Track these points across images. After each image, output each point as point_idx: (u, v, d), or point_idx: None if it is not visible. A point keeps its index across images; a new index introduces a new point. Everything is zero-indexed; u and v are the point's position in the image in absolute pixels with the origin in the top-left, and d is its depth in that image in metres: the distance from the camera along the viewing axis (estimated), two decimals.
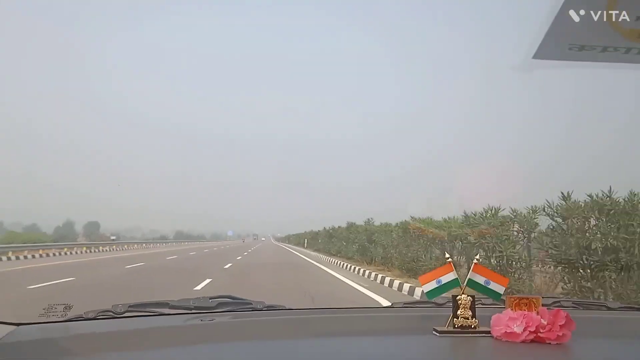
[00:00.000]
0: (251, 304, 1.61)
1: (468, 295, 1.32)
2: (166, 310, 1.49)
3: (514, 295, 1.34)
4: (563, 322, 1.20)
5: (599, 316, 1.63)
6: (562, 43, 0.83)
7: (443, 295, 1.43)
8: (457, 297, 1.32)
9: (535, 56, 0.86)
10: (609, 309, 1.72)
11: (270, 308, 1.62)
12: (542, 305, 1.72)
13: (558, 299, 1.77)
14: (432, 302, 1.63)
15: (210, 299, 1.58)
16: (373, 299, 8.84)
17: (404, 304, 1.76)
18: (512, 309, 1.29)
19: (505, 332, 1.23)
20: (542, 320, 1.23)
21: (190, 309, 1.50)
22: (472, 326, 1.30)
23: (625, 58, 0.84)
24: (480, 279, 1.37)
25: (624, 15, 0.85)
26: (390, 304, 1.79)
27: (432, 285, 1.37)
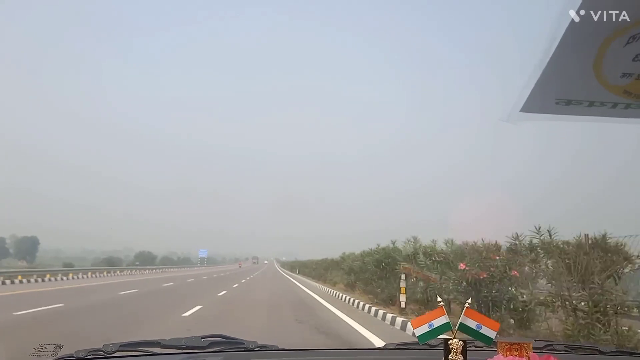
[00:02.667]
0: (243, 343, 1.60)
1: (460, 340, 1.32)
2: (157, 350, 1.48)
3: (505, 340, 1.33)
4: None
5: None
6: (549, 98, 0.86)
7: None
8: (449, 342, 1.32)
9: (523, 109, 0.89)
10: (602, 353, 1.72)
11: (263, 348, 1.61)
12: (535, 349, 1.72)
13: (551, 343, 1.76)
14: (426, 344, 1.63)
15: (202, 338, 1.56)
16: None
17: (397, 345, 1.74)
18: (503, 354, 1.29)
19: None
20: None
21: (182, 348, 1.48)
22: None
23: (612, 113, 0.87)
24: (472, 323, 1.37)
25: (609, 72, 0.88)
26: (384, 344, 1.78)
27: (424, 329, 1.37)
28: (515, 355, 1.28)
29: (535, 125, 0.99)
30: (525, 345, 1.32)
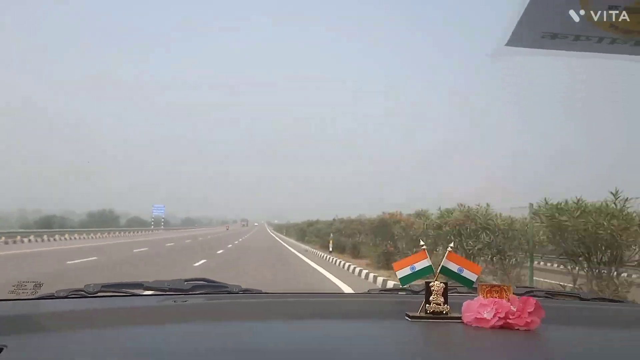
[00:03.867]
0: (227, 287, 1.61)
1: (441, 282, 1.34)
2: (139, 291, 1.49)
3: (485, 283, 1.35)
4: (532, 309, 1.22)
5: (570, 306, 1.66)
6: (535, 31, 0.84)
7: (419, 283, 1.45)
8: (430, 284, 1.33)
9: (509, 43, 0.87)
10: (582, 299, 1.76)
11: (246, 291, 1.63)
12: (515, 294, 1.75)
13: (531, 289, 1.79)
14: (409, 289, 1.65)
15: (185, 281, 1.57)
16: None
17: (381, 290, 1.77)
18: (483, 296, 1.31)
19: (475, 318, 1.25)
20: (512, 307, 1.25)
21: (165, 291, 1.49)
22: (444, 312, 1.32)
23: (597, 48, 0.85)
24: (454, 267, 1.39)
25: (596, 5, 0.85)
26: (367, 290, 1.80)
27: (406, 271, 1.39)
28: (496, 297, 1.30)
29: (520, 62, 0.97)
30: (505, 288, 1.34)
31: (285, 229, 63.38)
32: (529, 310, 1.22)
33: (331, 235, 22.45)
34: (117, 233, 46.80)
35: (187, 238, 38.40)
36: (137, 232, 53.26)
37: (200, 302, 1.46)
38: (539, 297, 1.74)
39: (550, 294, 1.78)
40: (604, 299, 1.80)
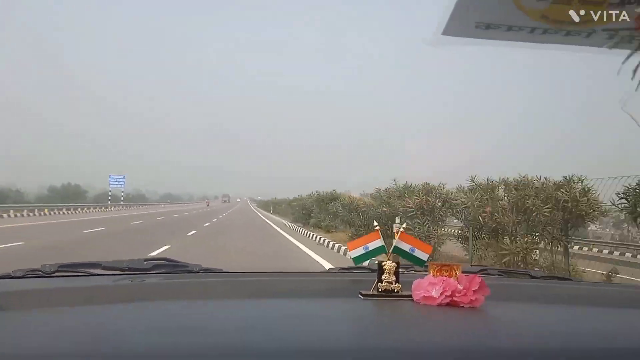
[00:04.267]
0: (188, 266, 1.63)
1: (393, 262, 1.38)
2: (98, 271, 1.49)
3: (436, 262, 1.40)
4: (477, 288, 1.27)
5: (521, 284, 1.72)
6: (469, 21, 0.86)
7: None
8: (383, 263, 1.38)
9: (444, 32, 0.89)
10: (533, 277, 1.83)
11: (207, 270, 1.65)
12: (469, 273, 1.81)
13: (485, 268, 1.85)
14: (367, 269, 1.70)
15: (145, 261, 1.59)
16: None
17: (340, 269, 1.81)
18: (433, 275, 1.35)
19: (424, 296, 1.30)
20: (459, 285, 1.30)
21: (124, 270, 1.51)
22: (395, 290, 1.36)
23: (530, 38, 0.87)
24: (406, 247, 1.43)
25: None
26: (327, 268, 1.84)
27: (359, 251, 1.43)
28: (445, 276, 1.35)
29: (456, 51, 0.99)
30: (454, 267, 1.39)
31: (273, 206, 55.14)
32: (473, 289, 1.27)
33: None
34: (65, 211, 40.19)
35: (160, 215, 35.75)
36: (88, 210, 45.07)
37: (159, 281, 1.47)
38: (492, 274, 1.80)
39: (503, 272, 1.85)
40: (553, 277, 1.88)
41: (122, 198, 64.11)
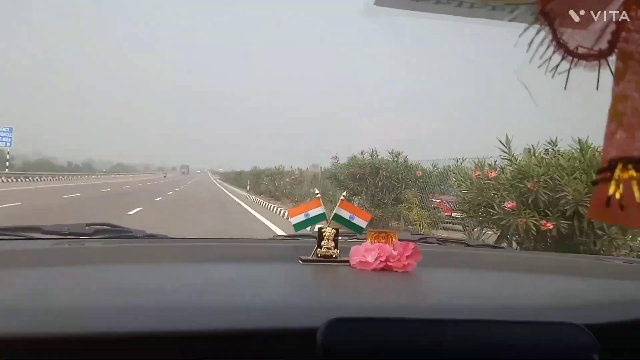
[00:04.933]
0: (131, 232, 1.63)
1: (333, 228, 1.43)
2: (37, 235, 1.48)
3: (374, 230, 1.45)
4: (410, 253, 1.33)
5: (456, 251, 1.81)
6: None
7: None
8: (322, 230, 1.42)
9: (377, 3, 0.90)
10: (468, 245, 1.92)
11: (151, 236, 1.65)
12: (410, 240, 1.88)
13: (425, 236, 1.93)
14: (312, 236, 1.74)
15: (86, 225, 1.58)
16: None
17: (285, 236, 1.85)
18: (371, 241, 1.41)
19: (360, 261, 1.35)
20: (394, 251, 1.35)
21: (64, 235, 1.49)
22: (334, 256, 1.41)
23: (457, 11, 0.90)
24: (346, 214, 1.48)
25: None
26: (272, 236, 1.88)
27: (300, 218, 1.46)
28: (382, 242, 1.41)
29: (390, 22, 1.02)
30: (391, 234, 1.44)
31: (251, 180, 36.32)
32: (407, 254, 1.33)
33: None
34: None
35: (101, 188, 29.68)
36: None
37: (99, 245, 1.47)
38: (430, 243, 1.88)
39: (441, 241, 1.93)
40: (488, 246, 1.97)
41: (6, 163, 42.81)
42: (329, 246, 1.41)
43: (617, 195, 0.43)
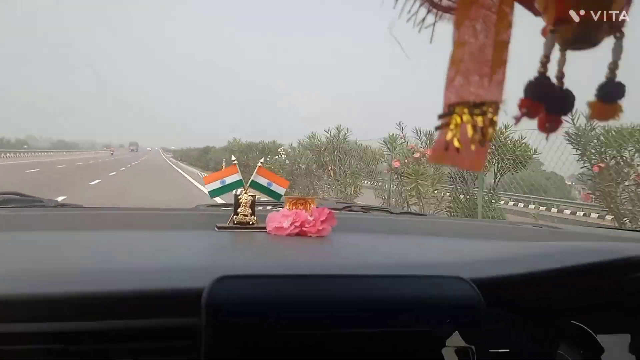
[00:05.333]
0: (42, 201, 1.57)
1: (249, 195, 1.42)
2: None
3: (292, 196, 1.46)
4: (324, 219, 1.35)
5: (379, 218, 1.84)
6: None
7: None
8: (239, 197, 1.41)
9: None
10: (391, 213, 1.96)
11: (64, 206, 1.60)
12: (336, 209, 1.90)
13: (350, 205, 1.95)
14: (231, 204, 1.73)
15: None
16: None
17: (207, 206, 1.83)
18: (288, 208, 1.41)
19: (275, 227, 1.35)
20: (309, 217, 1.36)
21: None
22: (250, 222, 1.41)
23: None
24: (263, 181, 1.48)
25: None
26: (195, 205, 1.85)
27: (215, 185, 1.45)
28: (300, 209, 1.42)
29: None
30: (309, 201, 1.45)
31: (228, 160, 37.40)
32: (321, 219, 1.34)
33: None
34: None
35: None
36: None
37: (8, 213, 1.41)
38: (355, 211, 1.91)
39: (366, 209, 1.96)
40: (410, 213, 2.02)
41: None
42: (246, 213, 1.41)
43: (455, 140, 0.44)
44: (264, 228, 1.39)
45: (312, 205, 1.43)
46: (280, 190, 1.49)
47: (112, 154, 77.12)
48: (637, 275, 0.93)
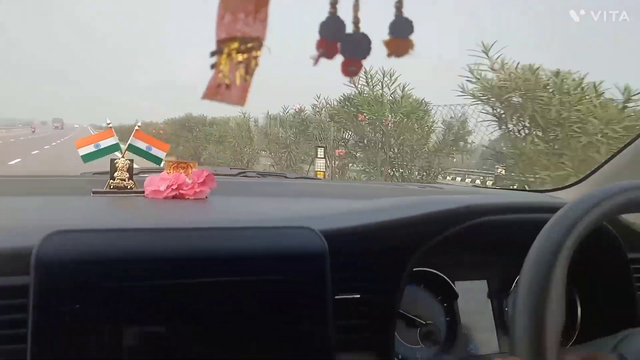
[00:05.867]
0: None
1: (126, 159, 1.39)
2: None
3: (173, 160, 1.45)
4: (202, 181, 1.34)
5: (272, 182, 1.86)
6: None
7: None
8: (115, 161, 1.38)
9: None
10: (287, 177, 1.99)
11: None
12: (231, 175, 1.90)
13: (244, 170, 1.96)
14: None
15: None
16: None
17: (94, 173, 1.77)
18: (168, 172, 1.40)
19: (152, 190, 1.34)
20: (188, 179, 1.36)
21: None
22: (128, 187, 1.38)
23: None
24: (142, 145, 1.45)
25: None
26: (80, 173, 1.78)
27: (89, 149, 1.41)
28: (181, 173, 1.41)
29: None
30: (191, 164, 1.45)
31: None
32: (199, 182, 1.34)
33: None
34: None
35: None
36: None
37: None
38: (250, 177, 1.92)
39: (262, 175, 1.97)
40: (306, 177, 2.06)
41: None
42: (123, 177, 1.38)
43: (226, 76, 0.45)
44: (142, 192, 1.37)
45: (193, 168, 1.42)
46: (161, 154, 1.47)
47: (33, 131, 73.04)
48: (477, 221, 1.01)
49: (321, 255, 0.86)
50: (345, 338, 0.95)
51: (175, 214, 1.21)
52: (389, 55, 0.51)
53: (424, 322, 1.16)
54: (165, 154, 1.48)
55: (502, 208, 1.04)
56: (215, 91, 0.45)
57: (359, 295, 0.97)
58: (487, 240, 1.16)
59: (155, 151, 1.46)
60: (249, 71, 0.44)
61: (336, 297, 0.96)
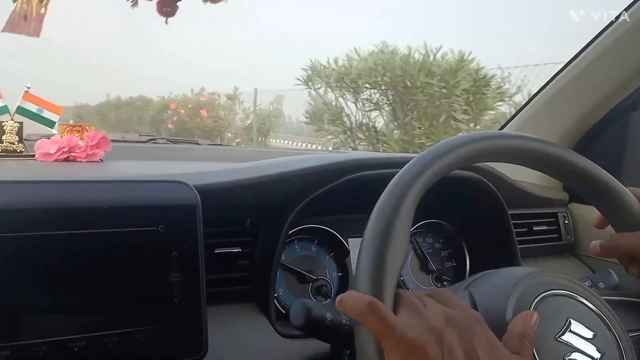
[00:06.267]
0: None
1: (15, 122, 1.34)
2: None
3: (67, 123, 1.41)
4: (94, 143, 1.32)
5: (181, 147, 1.84)
6: None
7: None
8: (3, 124, 1.33)
9: None
10: (199, 144, 1.98)
11: None
12: (138, 142, 1.86)
13: (155, 137, 1.93)
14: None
15: None
16: None
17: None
18: (61, 135, 1.36)
19: (42, 153, 1.30)
20: (80, 142, 1.33)
21: None
22: (18, 150, 1.34)
23: None
24: (32, 107, 1.40)
25: None
26: None
27: None
28: (76, 136, 1.37)
29: None
30: (86, 127, 1.41)
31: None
32: (92, 144, 1.32)
33: None
34: None
35: None
36: None
37: None
38: (159, 143, 1.89)
39: (172, 141, 1.95)
40: (220, 145, 2.05)
41: None
42: (12, 140, 1.34)
43: (23, 9, 0.45)
44: (32, 155, 1.33)
45: (89, 131, 1.39)
46: (54, 117, 1.43)
47: None
48: (356, 175, 1.04)
49: (193, 206, 0.87)
50: (226, 290, 0.98)
51: (64, 175, 1.18)
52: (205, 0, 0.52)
53: (315, 277, 1.20)
54: (59, 117, 1.44)
55: (379, 163, 1.08)
56: (17, 24, 0.45)
57: (239, 249, 0.99)
58: (371, 196, 1.21)
59: (47, 114, 1.41)
60: (42, 3, 0.44)
61: (216, 251, 0.98)
